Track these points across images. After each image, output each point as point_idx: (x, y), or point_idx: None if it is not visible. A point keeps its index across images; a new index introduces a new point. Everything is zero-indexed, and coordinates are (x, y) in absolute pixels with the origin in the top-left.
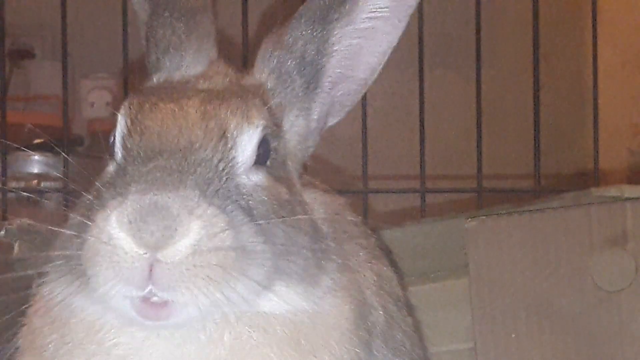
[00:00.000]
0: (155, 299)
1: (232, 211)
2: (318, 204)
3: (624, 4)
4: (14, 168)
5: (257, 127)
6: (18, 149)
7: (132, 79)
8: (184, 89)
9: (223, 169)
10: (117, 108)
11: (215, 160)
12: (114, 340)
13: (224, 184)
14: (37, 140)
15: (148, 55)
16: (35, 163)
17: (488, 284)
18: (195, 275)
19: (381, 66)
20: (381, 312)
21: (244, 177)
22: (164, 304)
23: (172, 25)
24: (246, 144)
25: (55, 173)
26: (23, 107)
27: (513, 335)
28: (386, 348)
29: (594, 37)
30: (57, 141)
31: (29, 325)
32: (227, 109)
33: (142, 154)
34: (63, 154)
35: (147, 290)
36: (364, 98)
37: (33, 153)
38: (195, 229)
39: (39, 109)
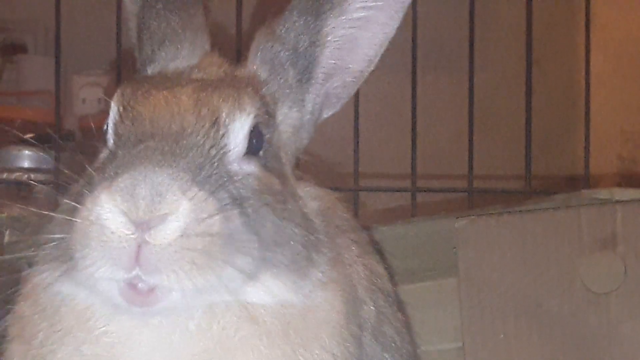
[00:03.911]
0: (141, 285)
1: (222, 198)
2: (311, 197)
3: (616, 11)
4: (4, 162)
5: (248, 114)
6: (9, 143)
7: (125, 74)
8: (178, 78)
9: (215, 155)
10: (110, 97)
11: (207, 146)
12: (103, 329)
13: (215, 170)
14: (28, 135)
15: (140, 47)
16: (26, 158)
17: (477, 284)
18: (181, 258)
19: (377, 58)
20: (372, 308)
21: (235, 165)
22: (151, 290)
23: (166, 18)
24: (238, 131)
25: (45, 168)
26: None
27: (501, 336)
28: (376, 343)
29: (587, 43)
30: (49, 137)
31: (18, 312)
32: (219, 97)
33: (132, 139)
34: (56, 148)
35: (133, 273)
36: (356, 98)
37: (24, 148)
38: (185, 211)
39: (31, 104)
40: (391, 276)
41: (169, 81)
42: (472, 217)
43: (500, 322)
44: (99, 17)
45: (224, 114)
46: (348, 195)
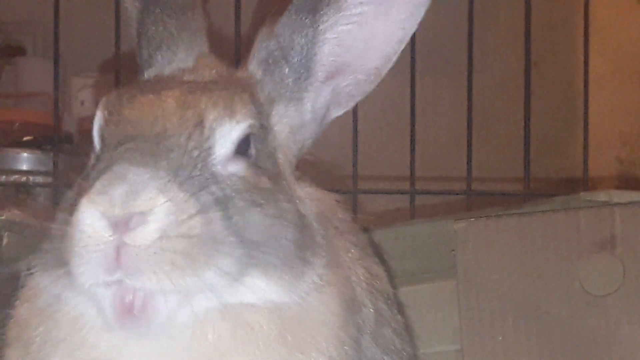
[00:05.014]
0: (130, 297)
1: (203, 199)
2: (310, 199)
3: (615, 14)
4: (3, 164)
5: (238, 121)
6: (8, 145)
7: (123, 77)
8: (168, 81)
9: (198, 157)
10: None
11: (190, 148)
12: (95, 341)
13: (198, 171)
14: (26, 138)
15: (139, 52)
16: (25, 160)
17: (476, 286)
18: (162, 260)
19: (397, 54)
20: (371, 310)
21: (220, 167)
22: (143, 306)
23: (163, 22)
24: (226, 135)
25: (44, 170)
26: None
27: (500, 338)
28: (375, 346)
29: (586, 45)
30: (47, 139)
31: (16, 317)
32: (208, 100)
33: (115, 142)
34: (54, 150)
35: (116, 275)
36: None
37: (22, 150)
38: (164, 211)
39: (29, 106)
40: (391, 278)
41: (159, 84)
42: (471, 219)
43: (498, 324)
44: (97, 19)
45: (210, 116)
46: (347, 198)
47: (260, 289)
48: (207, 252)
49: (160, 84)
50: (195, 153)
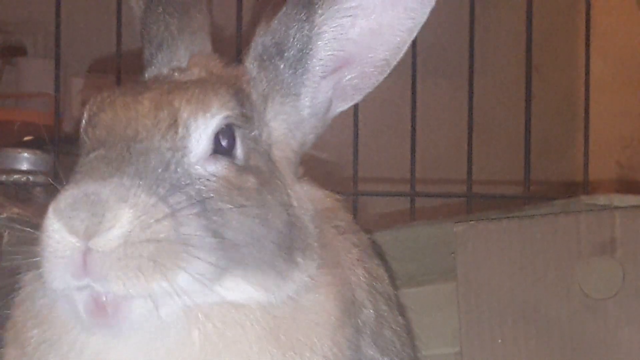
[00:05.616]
0: (103, 299)
1: (176, 201)
2: (310, 198)
3: (616, 18)
4: (3, 164)
5: (213, 116)
6: (8, 145)
7: (124, 77)
8: (154, 82)
9: (172, 158)
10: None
11: (163, 150)
12: (85, 342)
13: (171, 173)
14: (27, 138)
15: (144, 52)
16: (25, 160)
17: (475, 289)
18: (126, 266)
19: (406, 45)
20: (371, 311)
21: (197, 167)
22: (115, 308)
23: (165, 21)
24: (201, 133)
25: (44, 170)
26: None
27: (499, 341)
28: (375, 347)
29: (587, 50)
30: (48, 139)
31: (14, 318)
32: (182, 99)
33: (89, 147)
34: (55, 151)
35: (84, 281)
36: (356, 103)
37: (23, 150)
38: (127, 217)
39: (30, 106)
40: (392, 279)
41: (143, 86)
42: (471, 222)
43: (498, 327)
44: (98, 19)
45: (184, 114)
46: (347, 200)
47: (243, 290)
48: (177, 256)
49: (144, 86)
50: (169, 154)
